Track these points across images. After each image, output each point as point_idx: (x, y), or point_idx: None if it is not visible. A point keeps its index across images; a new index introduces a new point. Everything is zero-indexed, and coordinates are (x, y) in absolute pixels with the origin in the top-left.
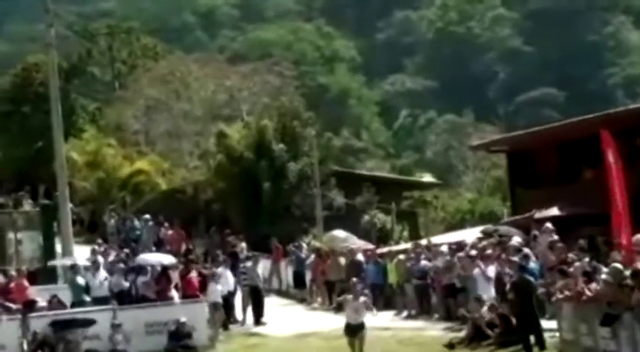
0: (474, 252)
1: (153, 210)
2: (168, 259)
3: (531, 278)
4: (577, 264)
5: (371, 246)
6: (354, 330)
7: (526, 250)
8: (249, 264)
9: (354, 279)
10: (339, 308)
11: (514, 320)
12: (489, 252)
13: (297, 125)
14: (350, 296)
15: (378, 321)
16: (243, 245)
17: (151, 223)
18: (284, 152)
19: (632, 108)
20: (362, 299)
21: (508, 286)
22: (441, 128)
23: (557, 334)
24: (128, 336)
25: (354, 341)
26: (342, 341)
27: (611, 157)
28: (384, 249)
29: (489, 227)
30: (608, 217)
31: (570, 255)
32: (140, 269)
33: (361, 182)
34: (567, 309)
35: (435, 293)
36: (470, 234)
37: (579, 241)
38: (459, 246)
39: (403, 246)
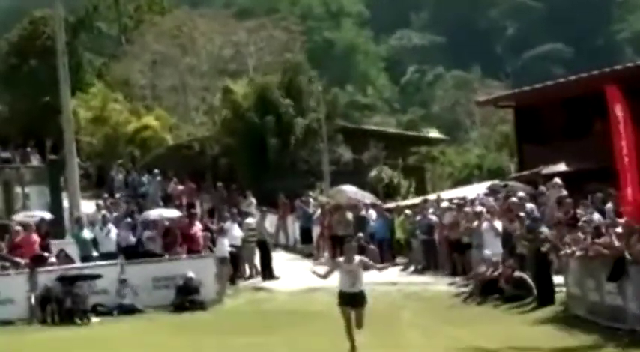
0: (480, 208)
1: (160, 166)
2: (173, 214)
3: (545, 230)
4: (584, 218)
5: (378, 201)
6: (350, 301)
7: (530, 205)
8: (250, 219)
9: (360, 235)
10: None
11: (522, 275)
12: (496, 207)
13: (303, 80)
14: (341, 259)
15: (385, 276)
16: (252, 200)
17: (159, 178)
18: (290, 107)
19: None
20: (357, 259)
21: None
22: (448, 84)
23: (564, 289)
24: (136, 291)
25: (349, 314)
26: None
27: (618, 111)
28: (392, 204)
29: (497, 183)
30: (615, 172)
31: (579, 211)
32: (146, 224)
33: (368, 137)
34: (574, 264)
35: (442, 249)
36: (477, 190)
37: (596, 195)
38: (465, 201)
39: (410, 201)
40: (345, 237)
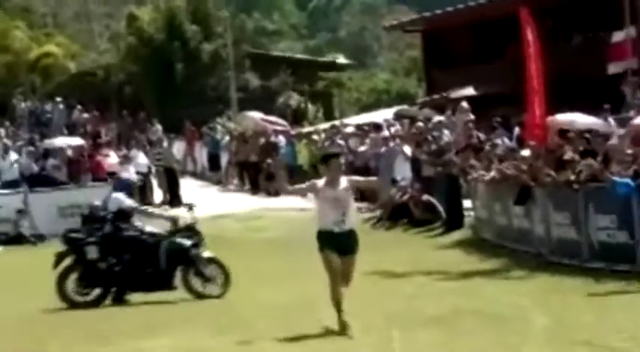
0: (388, 133)
1: (63, 94)
2: (77, 142)
3: (453, 157)
4: (490, 142)
5: (287, 126)
6: (338, 243)
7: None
8: (165, 144)
9: (270, 161)
10: (255, 190)
11: (430, 199)
12: (403, 133)
13: (209, 6)
14: (321, 182)
15: (292, 202)
16: (159, 127)
17: (61, 106)
18: (197, 33)
19: None
20: (344, 182)
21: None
22: (355, 9)
23: (472, 213)
24: (40, 219)
25: (336, 263)
26: (259, 222)
27: (529, 35)
28: (298, 130)
29: (404, 108)
30: (522, 97)
31: (481, 135)
32: (50, 153)
33: (276, 63)
34: (482, 188)
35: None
36: (385, 114)
37: (493, 119)
38: (373, 127)
39: (316, 127)
40: (256, 163)
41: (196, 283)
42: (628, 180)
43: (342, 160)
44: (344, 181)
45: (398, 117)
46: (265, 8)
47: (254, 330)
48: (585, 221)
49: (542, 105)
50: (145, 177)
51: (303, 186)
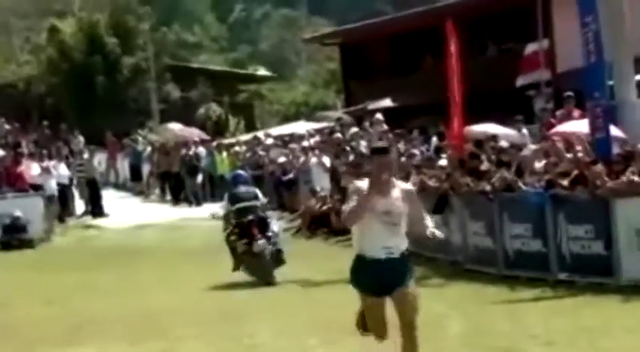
0: (307, 144)
1: None
2: None
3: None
4: (408, 152)
5: (206, 137)
6: (381, 279)
7: (354, 144)
8: (86, 156)
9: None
10: (177, 201)
11: None
12: (322, 143)
13: (130, 19)
14: (360, 185)
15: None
16: (81, 138)
17: None
18: (117, 46)
19: (465, 1)
20: (399, 189)
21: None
22: (275, 22)
23: None
24: None
25: (381, 308)
26: (179, 232)
27: (453, 48)
28: (219, 141)
29: (323, 113)
30: (441, 107)
31: (400, 146)
32: None
33: (197, 75)
34: None
35: (270, 184)
36: (305, 126)
37: (412, 132)
38: (293, 137)
39: (236, 138)
40: (177, 174)
41: None
42: (541, 190)
43: (393, 156)
44: (397, 188)
45: (315, 119)
46: (186, 21)
47: (173, 339)
48: (500, 229)
49: (461, 116)
50: (67, 188)
51: (358, 202)
